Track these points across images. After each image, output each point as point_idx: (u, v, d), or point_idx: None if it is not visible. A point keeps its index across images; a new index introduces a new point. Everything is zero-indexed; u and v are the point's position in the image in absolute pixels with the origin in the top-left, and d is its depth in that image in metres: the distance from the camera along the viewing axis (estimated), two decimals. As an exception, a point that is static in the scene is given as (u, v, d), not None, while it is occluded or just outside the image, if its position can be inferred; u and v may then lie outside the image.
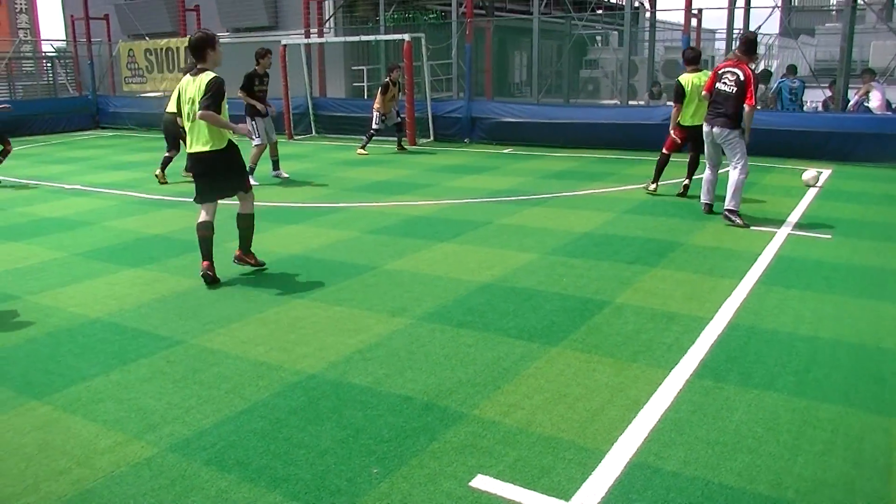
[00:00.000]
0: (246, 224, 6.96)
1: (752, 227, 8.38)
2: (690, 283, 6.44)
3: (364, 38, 19.94)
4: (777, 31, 23.77)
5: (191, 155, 6.65)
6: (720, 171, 9.34)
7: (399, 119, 15.79)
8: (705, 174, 9.33)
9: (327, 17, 21.60)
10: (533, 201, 10.16)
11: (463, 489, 3.39)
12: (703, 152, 9.60)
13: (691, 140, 10.17)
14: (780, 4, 18.41)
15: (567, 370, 4.67)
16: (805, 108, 15.88)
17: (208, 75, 6.41)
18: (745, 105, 8.52)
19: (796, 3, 32.05)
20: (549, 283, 6.47)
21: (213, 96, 6.29)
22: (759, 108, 16.47)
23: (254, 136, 11.57)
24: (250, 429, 3.98)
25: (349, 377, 4.60)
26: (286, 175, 12.56)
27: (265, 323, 5.59)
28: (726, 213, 8.70)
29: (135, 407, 4.26)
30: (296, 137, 18.79)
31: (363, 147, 15.71)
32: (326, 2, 21.77)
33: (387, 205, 10.08)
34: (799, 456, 3.66)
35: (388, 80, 15.41)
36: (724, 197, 8.74)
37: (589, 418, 4.04)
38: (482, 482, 3.44)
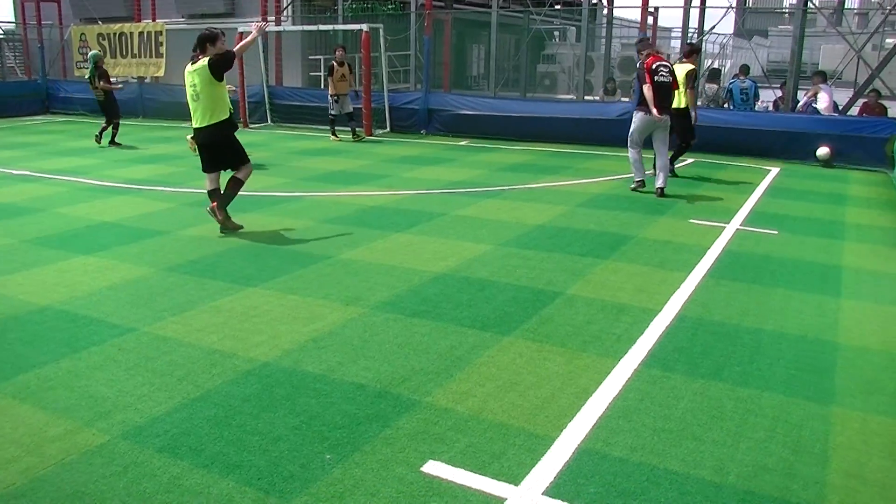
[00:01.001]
0: (235, 186, 7.97)
1: (702, 223, 8.55)
2: (641, 275, 6.57)
3: (322, 27, 19.80)
4: (731, 32, 24.18)
5: (196, 130, 7.82)
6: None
7: (350, 109, 15.95)
8: (637, 155, 10.52)
9: (285, 6, 21.42)
10: (488, 193, 10.24)
11: (414, 474, 3.44)
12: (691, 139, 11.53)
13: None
14: (734, 5, 18.73)
15: (519, 359, 4.74)
16: (756, 107, 16.19)
17: (205, 59, 7.53)
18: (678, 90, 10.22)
19: (751, 4, 32.61)
20: (502, 274, 6.55)
21: (216, 63, 7.49)
22: (711, 106, 16.81)
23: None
24: (203, 416, 3.98)
25: (303, 365, 4.62)
26: None
27: (219, 311, 5.57)
28: (663, 190, 10.16)
29: (86, 395, 4.23)
30: (251, 126, 18.63)
31: (332, 134, 16.21)
32: (284, -11, 21.60)
33: (343, 195, 10.08)
34: (741, 442, 3.78)
35: (333, 62, 15.72)
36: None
37: (539, 406, 4.12)
38: (434, 467, 3.49)
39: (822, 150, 12.99)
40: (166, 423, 3.90)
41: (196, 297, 5.90)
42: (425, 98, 17.35)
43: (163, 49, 20.63)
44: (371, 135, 16.83)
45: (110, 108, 15.38)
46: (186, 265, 6.76)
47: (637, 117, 10.29)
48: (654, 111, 9.94)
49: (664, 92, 10.10)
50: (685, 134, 11.60)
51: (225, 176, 8.05)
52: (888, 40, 21.62)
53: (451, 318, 5.45)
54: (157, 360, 4.70)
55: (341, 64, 15.60)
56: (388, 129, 17.59)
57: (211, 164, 7.97)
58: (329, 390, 4.28)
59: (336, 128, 16.32)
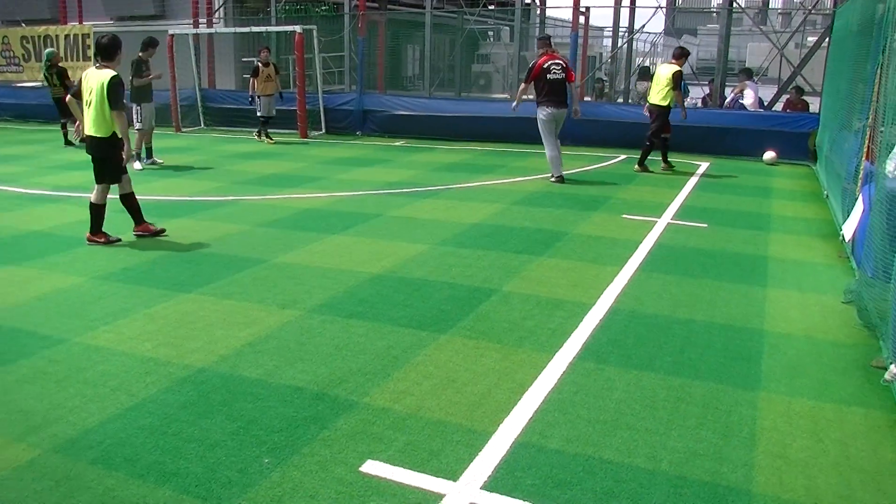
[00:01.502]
0: (129, 202, 7.79)
1: (635, 218, 8.73)
2: (575, 270, 6.68)
3: (255, 29, 19.58)
4: (661, 31, 24.66)
5: (86, 137, 7.57)
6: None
7: (273, 114, 15.86)
8: (555, 153, 11.20)
9: (217, 7, 21.14)
10: (424, 193, 10.28)
11: (354, 475, 3.46)
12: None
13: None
14: (663, 5, 19.13)
15: (455, 356, 4.79)
16: (686, 104, 16.55)
17: (110, 73, 7.28)
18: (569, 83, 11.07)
19: (679, 4, 33.28)
20: (438, 273, 6.59)
21: (120, 96, 7.28)
22: (642, 103, 17.13)
23: (136, 123, 12.22)
24: (138, 425, 3.92)
25: (240, 370, 4.59)
26: (161, 161, 12.87)
27: (152, 318, 5.49)
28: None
29: (15, 409, 4.13)
30: (184, 130, 18.33)
31: (267, 136, 16.06)
32: (215, -9, 21.31)
33: (278, 198, 10.00)
34: (673, 430, 3.88)
35: (257, 62, 15.56)
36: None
37: (476, 402, 4.17)
38: (373, 467, 3.51)
39: (769, 155, 13.30)
40: (100, 435, 3.83)
41: (129, 304, 5.80)
42: (360, 99, 17.33)
43: (90, 52, 20.15)
44: (306, 137, 16.72)
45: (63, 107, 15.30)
46: (119, 273, 6.63)
47: (540, 113, 11.08)
48: (514, 103, 11.75)
49: (557, 87, 11.03)
50: (662, 129, 12.24)
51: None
52: (809, 39, 22.31)
53: (388, 319, 5.47)
54: (90, 370, 4.61)
55: (266, 65, 15.45)
56: (324, 130, 17.50)
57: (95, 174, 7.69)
58: (266, 394, 4.26)
59: (244, 129, 16.20)
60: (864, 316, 5.33)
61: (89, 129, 7.44)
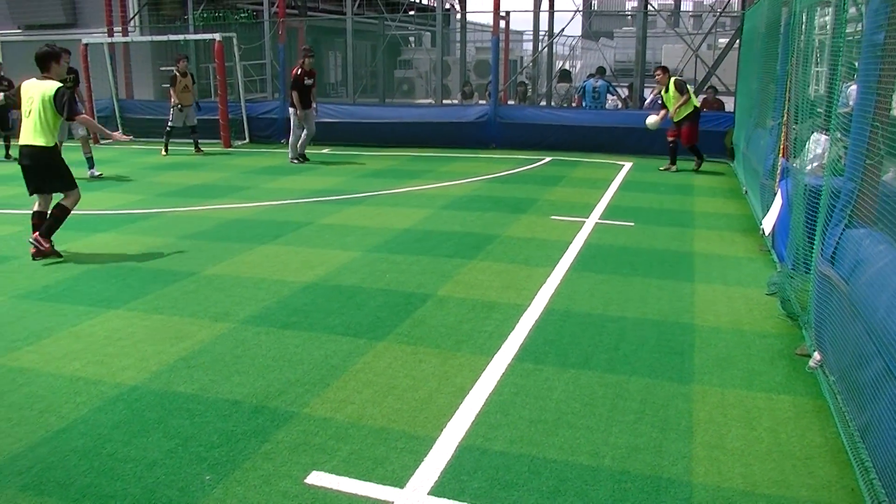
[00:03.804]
0: (60, 214, 7.47)
1: (563, 219, 8.86)
2: (507, 273, 6.74)
3: (172, 37, 19.17)
4: (579, 34, 25.09)
5: (21, 147, 7.36)
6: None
7: (195, 122, 15.54)
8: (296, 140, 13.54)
9: (131, 16, 20.63)
10: (352, 200, 10.23)
11: (298, 487, 3.41)
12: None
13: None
14: (580, 8, 19.47)
15: (394, 363, 4.78)
16: (607, 105, 16.89)
17: (55, 84, 7.30)
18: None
19: (596, 7, 33.90)
20: (372, 279, 6.56)
21: (69, 101, 7.29)
22: (564, 105, 17.37)
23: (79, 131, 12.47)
24: (70, 448, 3.79)
25: (174, 386, 4.48)
26: (100, 174, 12.62)
27: (79, 337, 5.31)
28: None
29: (-65, 435, 3.95)
30: (102, 142, 17.79)
31: (165, 149, 15.55)
32: (129, -1, 20.82)
33: (203, 209, 9.81)
34: (613, 426, 3.95)
35: (175, 71, 15.29)
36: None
37: (418, 408, 4.16)
38: (317, 478, 3.47)
39: (651, 119, 13.41)
40: (29, 459, 3.68)
41: (53, 323, 5.60)
42: (283, 107, 17.12)
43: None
44: (230, 146, 16.45)
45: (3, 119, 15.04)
46: (39, 291, 6.40)
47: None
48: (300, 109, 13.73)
49: (308, 92, 13.64)
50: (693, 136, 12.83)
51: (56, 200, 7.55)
52: (721, 40, 23.02)
53: (324, 327, 5.42)
54: (14, 393, 4.44)
55: (184, 74, 15.17)
56: (248, 139, 17.25)
57: (34, 186, 7.44)
58: (203, 409, 4.17)
59: (172, 140, 15.79)
60: (787, 306, 5.53)
61: (29, 138, 7.28)
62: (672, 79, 12.71)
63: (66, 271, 6.96)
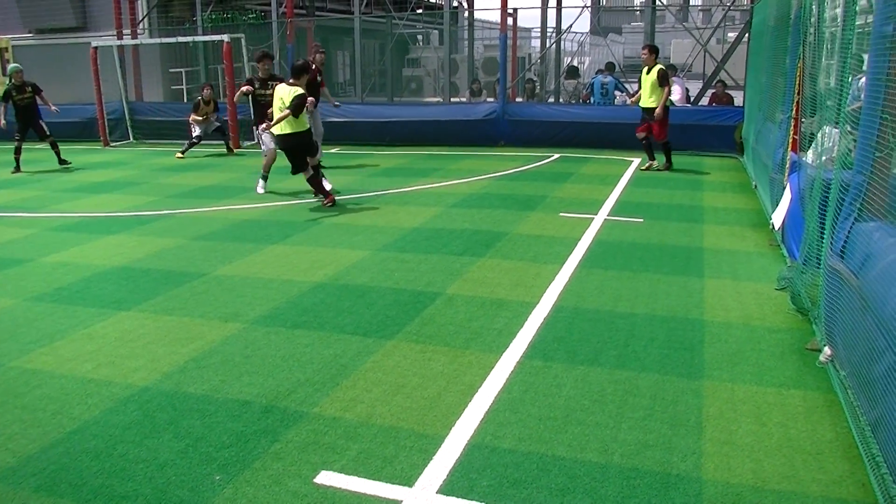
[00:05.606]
0: (315, 177, 9.89)
1: (572, 216, 8.84)
2: (517, 270, 6.74)
3: (181, 39, 19.25)
4: (588, 30, 25.04)
5: (279, 136, 9.74)
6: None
7: (218, 124, 15.60)
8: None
9: (141, 18, 20.71)
10: (362, 199, 10.24)
11: (308, 486, 3.42)
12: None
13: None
14: (589, 4, 19.43)
15: (403, 362, 4.78)
16: (616, 101, 16.84)
17: (298, 89, 9.31)
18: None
19: (604, 3, 33.83)
20: (381, 278, 6.57)
21: (301, 102, 9.37)
22: (572, 101, 17.35)
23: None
24: (82, 449, 3.82)
25: (184, 387, 4.50)
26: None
27: (91, 339, 5.35)
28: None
29: (-51, 438, 3.98)
30: (112, 144, 17.89)
31: (182, 152, 15.52)
32: (139, 1, 20.86)
33: (213, 210, 9.85)
34: (623, 423, 3.95)
35: (199, 98, 15.42)
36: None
37: (427, 406, 4.17)
38: (327, 478, 3.48)
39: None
40: (42, 461, 3.72)
41: (65, 325, 5.64)
42: (292, 107, 17.14)
43: (10, 65, 19.54)
44: (239, 147, 16.50)
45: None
46: (52, 293, 6.44)
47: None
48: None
49: (317, 90, 12.43)
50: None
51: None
52: (730, 34, 22.93)
53: (333, 327, 5.43)
54: (27, 395, 4.47)
55: (207, 103, 15.34)
56: (256, 140, 17.24)
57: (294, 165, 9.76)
58: (213, 410, 4.19)
59: (208, 141, 15.89)
60: (797, 301, 5.50)
61: (282, 128, 9.46)
62: (658, 65, 12.05)
63: (78, 274, 7.00)
